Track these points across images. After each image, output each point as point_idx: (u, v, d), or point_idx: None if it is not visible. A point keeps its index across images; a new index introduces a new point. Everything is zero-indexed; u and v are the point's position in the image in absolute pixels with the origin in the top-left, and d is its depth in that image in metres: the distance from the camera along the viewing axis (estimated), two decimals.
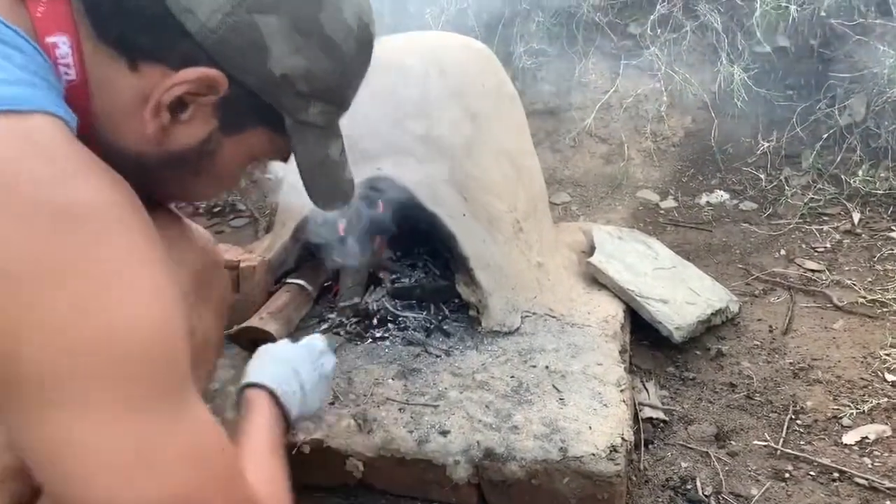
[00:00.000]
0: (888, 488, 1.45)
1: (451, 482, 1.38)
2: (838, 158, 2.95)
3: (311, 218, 1.75)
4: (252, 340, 1.60)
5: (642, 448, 1.59)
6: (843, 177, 2.88)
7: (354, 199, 1.02)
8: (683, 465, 1.57)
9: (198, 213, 2.93)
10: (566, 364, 1.64)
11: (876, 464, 1.54)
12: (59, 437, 0.61)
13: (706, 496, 1.47)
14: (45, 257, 0.59)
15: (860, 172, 2.83)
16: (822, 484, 1.49)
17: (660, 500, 1.47)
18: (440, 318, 1.83)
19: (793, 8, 2.97)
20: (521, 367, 1.63)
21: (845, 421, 1.67)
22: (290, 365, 1.19)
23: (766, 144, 3.07)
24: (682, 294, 2.01)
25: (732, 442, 1.63)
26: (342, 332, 1.79)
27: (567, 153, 3.29)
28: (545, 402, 1.50)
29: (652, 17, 3.27)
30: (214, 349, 1.09)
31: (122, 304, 0.63)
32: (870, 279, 2.30)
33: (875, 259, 2.43)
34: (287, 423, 1.13)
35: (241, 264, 1.81)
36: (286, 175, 1.91)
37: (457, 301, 1.84)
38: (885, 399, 1.72)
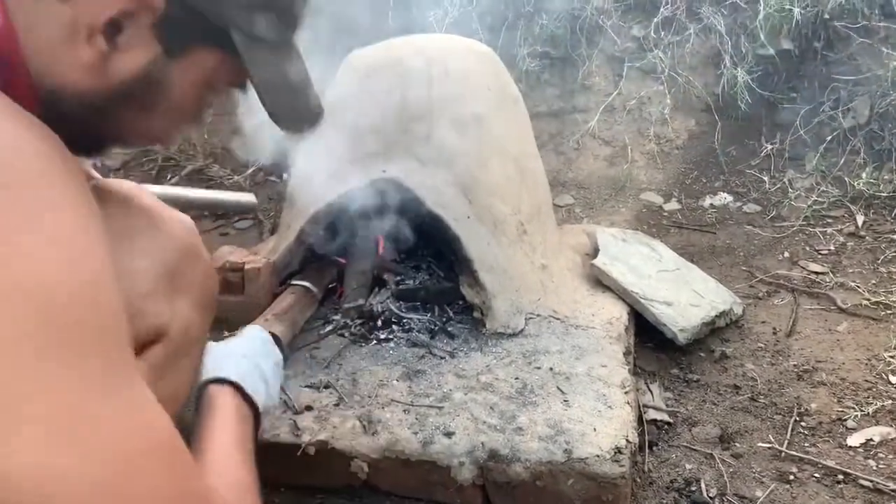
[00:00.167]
0: (893, 490, 1.45)
1: (456, 483, 1.38)
2: (842, 161, 2.94)
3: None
4: None
5: (647, 450, 1.60)
6: (846, 179, 2.87)
7: (322, 122, 0.97)
8: (688, 466, 1.57)
9: (202, 216, 2.93)
10: (570, 366, 1.64)
11: (880, 466, 1.53)
12: None
13: (711, 498, 1.47)
14: None
15: (864, 175, 2.83)
16: (826, 486, 1.49)
17: (664, 501, 1.47)
18: (444, 319, 1.83)
19: (796, 10, 2.97)
20: (525, 369, 1.63)
21: (850, 423, 1.67)
22: (250, 359, 1.15)
23: (770, 147, 3.07)
24: (685, 296, 2.01)
25: (737, 444, 1.63)
26: (347, 334, 1.79)
27: (571, 155, 3.29)
28: (549, 403, 1.51)
29: (655, 19, 3.28)
30: (197, 342, 1.04)
31: (34, 256, 0.57)
32: (874, 281, 2.30)
33: (879, 261, 2.43)
34: (256, 419, 1.09)
35: (246, 266, 1.82)
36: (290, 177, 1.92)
37: (461, 303, 1.85)
38: (890, 401, 1.72)
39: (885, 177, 2.83)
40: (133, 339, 0.70)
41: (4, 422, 0.53)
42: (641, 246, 2.24)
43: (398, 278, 1.94)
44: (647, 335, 1.95)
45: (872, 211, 2.74)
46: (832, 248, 2.56)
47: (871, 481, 1.48)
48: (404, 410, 1.50)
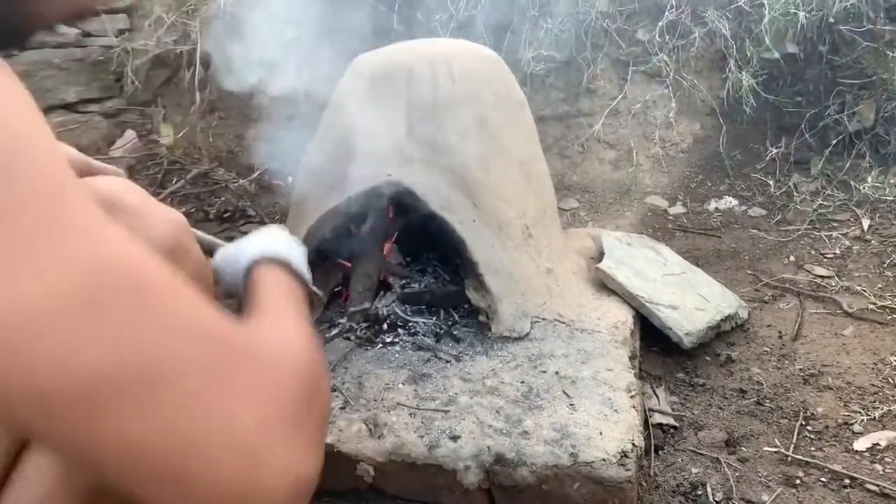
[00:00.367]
0: None
1: (462, 487, 1.39)
2: (847, 164, 2.94)
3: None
4: None
5: (652, 454, 1.59)
6: (852, 183, 2.87)
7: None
8: (694, 470, 1.56)
9: (208, 219, 2.94)
10: (576, 370, 1.64)
11: (887, 470, 1.53)
12: None
13: (717, 502, 1.47)
14: None
15: (869, 178, 2.83)
16: (833, 490, 1.49)
17: None
18: (450, 323, 1.84)
19: (801, 14, 2.97)
20: (531, 373, 1.64)
21: (856, 427, 1.66)
22: (281, 238, 1.01)
23: (775, 150, 3.07)
24: (691, 300, 2.01)
25: (743, 448, 1.63)
26: (352, 337, 1.80)
27: (576, 159, 3.29)
28: (555, 407, 1.51)
29: (660, 23, 3.28)
30: None
31: None
32: (880, 285, 2.30)
33: (885, 265, 2.42)
34: (308, 289, 0.95)
35: None
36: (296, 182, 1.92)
37: (466, 306, 1.85)
38: None
39: (891, 180, 2.83)
40: None
41: None
42: (647, 249, 2.24)
43: (403, 282, 1.94)
44: (652, 339, 1.95)
45: (878, 215, 2.74)
46: (838, 251, 2.55)
47: (878, 485, 1.47)
48: (410, 414, 1.50)
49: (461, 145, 1.82)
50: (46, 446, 0.54)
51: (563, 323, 1.83)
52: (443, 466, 1.39)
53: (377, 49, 2.00)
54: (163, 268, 0.54)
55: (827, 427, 1.68)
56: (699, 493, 1.50)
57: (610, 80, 3.40)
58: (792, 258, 2.54)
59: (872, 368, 1.87)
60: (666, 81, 3.27)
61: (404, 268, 1.99)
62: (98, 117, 3.45)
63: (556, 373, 1.63)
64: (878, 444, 1.60)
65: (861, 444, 1.61)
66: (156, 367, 0.50)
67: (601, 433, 1.41)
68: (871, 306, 2.16)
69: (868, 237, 2.62)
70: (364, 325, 1.82)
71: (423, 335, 1.79)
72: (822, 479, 1.52)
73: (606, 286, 2.00)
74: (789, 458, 1.57)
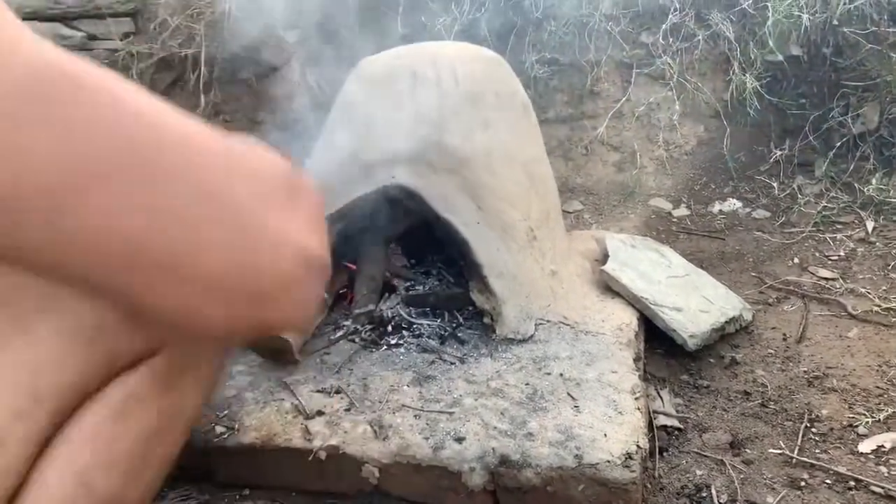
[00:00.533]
0: None
1: (467, 489, 1.39)
2: (851, 167, 2.94)
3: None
4: (268, 348, 1.61)
5: (657, 456, 1.59)
6: (856, 185, 2.87)
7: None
8: (698, 472, 1.56)
9: None
10: (581, 372, 1.64)
11: (892, 472, 1.53)
12: None
13: None
14: None
15: (873, 181, 2.83)
16: (837, 492, 1.48)
17: None
18: (454, 325, 1.84)
19: (805, 16, 2.97)
20: (535, 375, 1.64)
21: (861, 429, 1.66)
22: None
23: (779, 153, 3.07)
24: (695, 302, 2.01)
25: (747, 450, 1.62)
26: (357, 340, 1.80)
27: (579, 161, 3.30)
28: (560, 409, 1.51)
29: (664, 25, 3.28)
30: (205, 352, 0.84)
31: None
32: (884, 287, 2.30)
33: (889, 267, 2.42)
34: None
35: None
36: None
37: (471, 308, 1.85)
38: None
39: (895, 182, 2.83)
40: (127, 350, 0.67)
41: None
42: (651, 252, 2.24)
43: (408, 284, 1.95)
44: (656, 341, 1.95)
45: (882, 217, 2.74)
46: (842, 253, 2.55)
47: (883, 488, 1.47)
48: (415, 416, 1.50)
49: (465, 147, 1.83)
50: (22, 258, 0.50)
51: (568, 325, 1.83)
52: (448, 468, 1.39)
53: (382, 52, 2.01)
54: (101, 69, 0.51)
55: (832, 429, 1.67)
56: (704, 495, 1.50)
57: (614, 83, 3.40)
58: (796, 260, 2.54)
59: (877, 370, 1.87)
60: (670, 84, 3.27)
61: (409, 270, 1.99)
62: None
63: (561, 375, 1.63)
64: (882, 446, 1.60)
65: (866, 447, 1.60)
66: (128, 151, 0.48)
67: (606, 435, 1.41)
68: (876, 308, 2.16)
69: (872, 239, 2.62)
70: (369, 327, 1.83)
71: (428, 337, 1.79)
72: (827, 481, 1.52)
73: (610, 288, 2.00)
74: (794, 461, 1.57)
